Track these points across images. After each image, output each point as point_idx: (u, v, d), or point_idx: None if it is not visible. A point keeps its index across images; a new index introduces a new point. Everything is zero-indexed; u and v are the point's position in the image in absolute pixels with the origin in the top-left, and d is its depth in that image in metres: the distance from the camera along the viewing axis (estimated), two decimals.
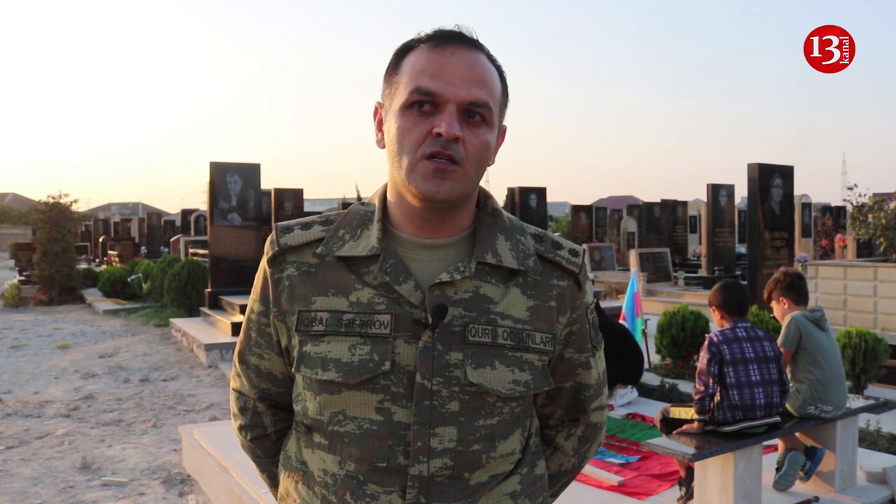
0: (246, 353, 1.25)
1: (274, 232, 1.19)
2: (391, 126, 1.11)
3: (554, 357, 1.19)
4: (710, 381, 3.41)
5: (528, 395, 1.16)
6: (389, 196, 1.17)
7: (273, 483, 1.33)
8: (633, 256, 13.76)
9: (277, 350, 1.20)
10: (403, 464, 1.08)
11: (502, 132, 1.19)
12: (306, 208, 19.61)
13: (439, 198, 1.08)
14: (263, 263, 1.20)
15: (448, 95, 1.07)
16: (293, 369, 1.15)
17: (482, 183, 1.19)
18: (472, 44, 1.11)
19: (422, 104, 1.08)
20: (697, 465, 3.44)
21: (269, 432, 1.29)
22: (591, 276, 13.91)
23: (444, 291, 1.10)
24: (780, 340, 3.81)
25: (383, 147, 1.15)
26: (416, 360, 1.08)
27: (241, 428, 1.31)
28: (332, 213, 1.21)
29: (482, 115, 1.09)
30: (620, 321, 6.52)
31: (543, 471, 1.25)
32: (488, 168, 1.16)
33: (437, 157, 1.06)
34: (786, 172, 8.47)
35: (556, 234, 1.29)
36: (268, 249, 1.19)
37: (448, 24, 1.13)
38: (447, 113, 1.07)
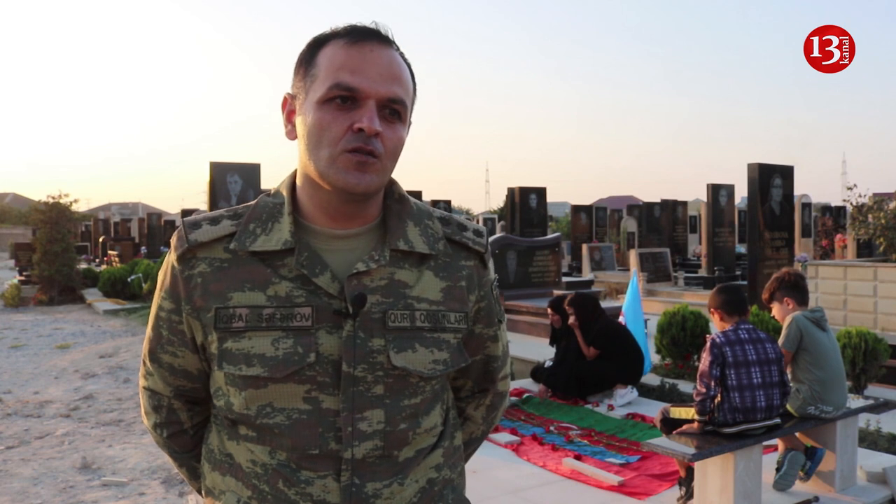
0: (157, 351, 1.23)
1: (182, 228, 1.18)
2: (308, 118, 1.12)
3: (465, 333, 1.24)
4: (712, 383, 3.41)
5: (447, 373, 1.21)
6: (300, 188, 1.18)
7: (192, 476, 1.33)
8: (633, 256, 13.76)
9: (192, 347, 1.19)
10: (335, 448, 1.11)
11: (409, 127, 1.21)
12: None
13: (359, 190, 1.10)
14: (171, 260, 1.18)
15: (369, 91, 1.09)
16: (214, 367, 1.15)
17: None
18: (387, 41, 1.14)
19: (344, 99, 1.09)
20: (697, 465, 3.44)
21: (185, 427, 1.28)
22: (590, 275, 13.93)
23: (361, 280, 1.13)
24: (780, 341, 3.80)
25: (293, 138, 1.17)
26: (341, 350, 1.11)
27: (155, 426, 1.29)
28: (240, 206, 1.20)
29: (398, 111, 1.12)
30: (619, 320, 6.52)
31: (460, 441, 1.31)
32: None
33: (358, 151, 1.08)
34: (786, 172, 8.47)
35: (462, 217, 1.36)
36: (175, 246, 1.17)
37: (362, 22, 1.14)
38: (368, 108, 1.09)
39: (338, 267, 1.14)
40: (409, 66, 1.17)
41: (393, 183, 1.23)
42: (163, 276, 1.21)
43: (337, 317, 1.11)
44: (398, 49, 1.15)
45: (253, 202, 1.20)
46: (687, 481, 3.63)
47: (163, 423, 1.28)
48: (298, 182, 1.19)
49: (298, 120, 1.15)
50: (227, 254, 1.15)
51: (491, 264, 1.30)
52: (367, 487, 1.12)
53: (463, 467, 1.32)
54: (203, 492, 1.26)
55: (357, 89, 1.09)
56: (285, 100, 1.19)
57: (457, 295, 1.20)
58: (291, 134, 1.18)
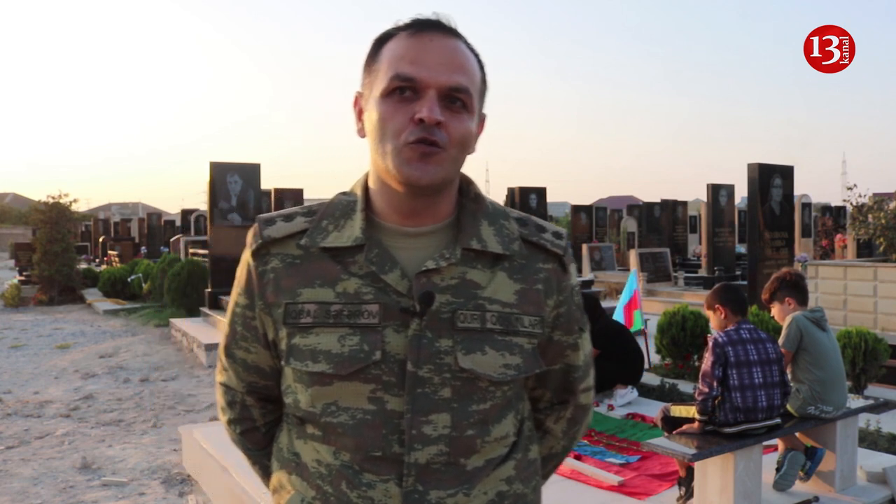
0: (232, 346, 1.24)
1: (256, 224, 1.18)
2: (372, 114, 1.11)
3: (543, 340, 1.19)
4: (715, 383, 3.41)
5: (519, 379, 1.16)
6: (371, 185, 1.17)
7: (265, 474, 1.32)
8: (633, 256, 13.76)
9: (264, 343, 1.19)
10: (399, 452, 1.08)
11: (482, 120, 1.18)
12: None
13: (423, 182, 1.08)
14: (246, 256, 1.19)
15: (428, 81, 1.07)
16: (282, 362, 1.15)
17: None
18: (450, 31, 1.12)
19: (403, 90, 1.07)
20: (697, 465, 3.44)
21: (258, 425, 1.29)
22: (590, 275, 13.93)
23: (430, 279, 1.10)
24: (781, 341, 3.81)
25: (364, 136, 1.16)
26: (406, 349, 1.08)
27: (230, 422, 1.30)
28: (315, 204, 1.20)
29: (462, 100, 1.09)
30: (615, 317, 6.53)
31: (537, 455, 1.26)
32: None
33: (420, 142, 1.06)
34: (786, 172, 8.47)
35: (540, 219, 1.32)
36: (250, 242, 1.18)
37: (424, 14, 1.13)
38: (428, 98, 1.07)
39: (408, 265, 1.11)
40: (477, 55, 1.14)
41: (470, 182, 1.20)
42: (239, 272, 1.22)
43: (404, 315, 1.09)
44: (464, 39, 1.13)
45: (328, 200, 1.19)
46: (687, 481, 3.62)
47: (236, 420, 1.28)
48: (370, 180, 1.17)
49: (366, 117, 1.14)
50: (300, 250, 1.14)
51: (573, 269, 1.24)
52: (431, 495, 1.09)
53: (538, 483, 1.26)
54: (271, 490, 1.26)
55: (416, 79, 1.07)
56: (356, 98, 1.18)
57: (532, 298, 1.16)
58: (361, 132, 1.16)
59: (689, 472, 3.60)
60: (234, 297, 1.22)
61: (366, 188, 1.18)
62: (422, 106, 1.06)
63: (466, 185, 1.20)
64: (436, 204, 1.14)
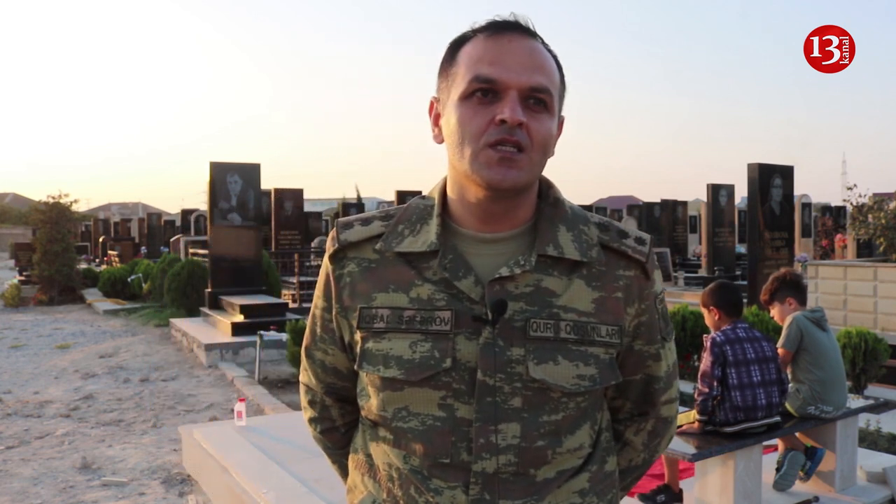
0: (311, 347, 1.26)
1: (335, 228, 1.19)
2: (450, 118, 1.09)
3: (622, 349, 1.16)
4: (715, 382, 3.41)
5: (596, 390, 1.13)
6: (449, 191, 1.16)
7: (343, 473, 1.34)
8: None
9: (341, 346, 1.21)
10: (467, 460, 1.08)
11: (561, 122, 1.16)
12: (306, 208, 19.61)
13: (505, 186, 1.06)
14: (326, 260, 1.20)
15: (509, 82, 1.05)
16: (356, 366, 1.16)
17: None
18: (528, 32, 1.10)
19: (485, 93, 1.06)
20: (697, 465, 3.44)
21: (337, 425, 1.31)
22: None
23: (504, 286, 1.08)
24: (781, 341, 3.81)
25: (440, 142, 1.14)
26: (477, 357, 1.07)
27: (310, 420, 1.33)
28: (393, 208, 1.20)
29: (544, 101, 1.07)
30: None
31: (614, 467, 1.22)
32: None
33: (502, 144, 1.04)
34: (786, 172, 8.47)
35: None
36: (329, 246, 1.19)
37: (502, 16, 1.11)
38: (509, 99, 1.05)
39: (483, 271, 1.10)
40: (555, 57, 1.13)
41: (550, 186, 1.18)
42: (320, 275, 1.23)
43: (477, 323, 1.07)
44: (542, 40, 1.11)
45: (405, 205, 1.18)
46: (668, 490, 3.63)
47: (317, 419, 1.31)
48: (448, 186, 1.16)
49: (443, 122, 1.12)
50: (375, 254, 1.14)
51: (657, 275, 1.19)
52: None
53: (615, 497, 1.22)
54: (346, 489, 1.28)
55: (496, 80, 1.05)
56: (431, 104, 1.17)
57: (611, 307, 1.12)
58: (438, 138, 1.14)
59: (673, 474, 3.61)
60: (315, 299, 1.24)
61: (443, 193, 1.17)
62: (503, 107, 1.04)
63: (546, 189, 1.18)
64: (514, 209, 1.12)
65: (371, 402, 1.15)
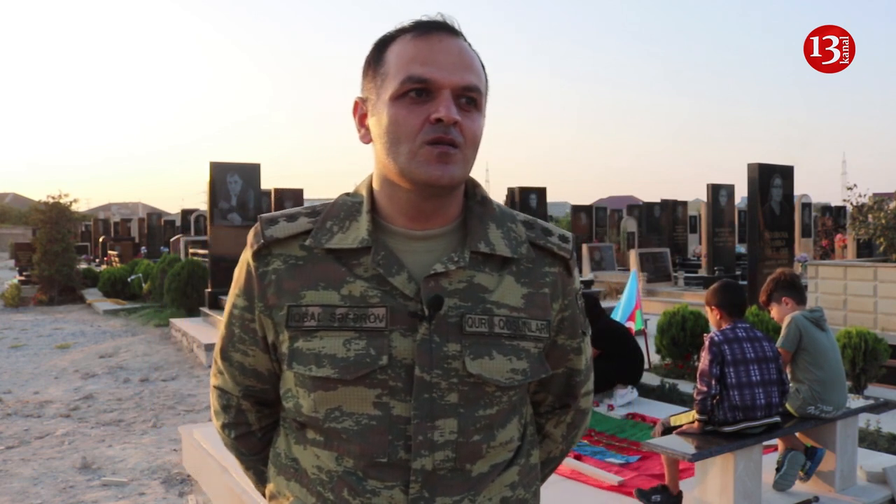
0: (228, 349, 1.21)
1: (258, 224, 1.16)
2: (382, 117, 1.09)
3: (547, 344, 1.19)
4: (713, 381, 3.41)
5: (525, 384, 1.15)
6: (377, 188, 1.15)
7: (259, 480, 1.30)
8: (633, 256, 13.76)
9: (263, 346, 1.17)
10: (405, 458, 1.07)
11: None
12: None
13: (444, 182, 1.06)
14: (247, 256, 1.17)
15: (442, 81, 1.06)
16: (284, 366, 1.13)
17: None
18: (455, 32, 1.11)
19: (418, 92, 1.06)
20: (697, 465, 3.44)
21: (254, 429, 1.26)
22: (590, 275, 13.93)
23: (438, 282, 1.09)
24: (780, 341, 3.81)
25: (368, 142, 1.14)
26: (415, 353, 1.07)
27: (224, 426, 1.27)
28: (319, 205, 1.18)
29: (475, 99, 1.09)
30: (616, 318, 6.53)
31: (537, 460, 1.26)
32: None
33: (439, 142, 1.05)
34: (786, 172, 8.47)
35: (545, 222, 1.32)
36: (251, 242, 1.16)
37: (428, 16, 1.12)
38: (444, 98, 1.06)
39: (415, 268, 1.10)
40: (478, 56, 1.14)
41: (476, 185, 1.19)
42: (238, 273, 1.19)
43: (412, 319, 1.07)
44: (466, 39, 1.13)
45: (331, 201, 1.17)
46: (665, 491, 3.63)
47: (231, 424, 1.26)
48: (375, 184, 1.15)
49: (372, 121, 1.12)
50: (303, 251, 1.12)
51: (577, 272, 1.24)
52: (437, 502, 1.08)
53: (538, 489, 1.25)
54: (267, 496, 1.24)
55: (430, 80, 1.06)
56: (356, 104, 1.16)
57: (539, 302, 1.15)
58: (366, 137, 1.15)
59: (673, 476, 3.61)
60: (232, 298, 1.20)
61: (371, 190, 1.16)
62: (438, 106, 1.05)
63: (472, 188, 1.19)
64: (445, 206, 1.13)
65: (300, 403, 1.12)
